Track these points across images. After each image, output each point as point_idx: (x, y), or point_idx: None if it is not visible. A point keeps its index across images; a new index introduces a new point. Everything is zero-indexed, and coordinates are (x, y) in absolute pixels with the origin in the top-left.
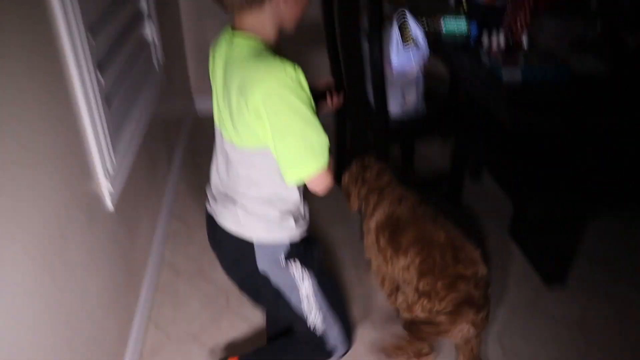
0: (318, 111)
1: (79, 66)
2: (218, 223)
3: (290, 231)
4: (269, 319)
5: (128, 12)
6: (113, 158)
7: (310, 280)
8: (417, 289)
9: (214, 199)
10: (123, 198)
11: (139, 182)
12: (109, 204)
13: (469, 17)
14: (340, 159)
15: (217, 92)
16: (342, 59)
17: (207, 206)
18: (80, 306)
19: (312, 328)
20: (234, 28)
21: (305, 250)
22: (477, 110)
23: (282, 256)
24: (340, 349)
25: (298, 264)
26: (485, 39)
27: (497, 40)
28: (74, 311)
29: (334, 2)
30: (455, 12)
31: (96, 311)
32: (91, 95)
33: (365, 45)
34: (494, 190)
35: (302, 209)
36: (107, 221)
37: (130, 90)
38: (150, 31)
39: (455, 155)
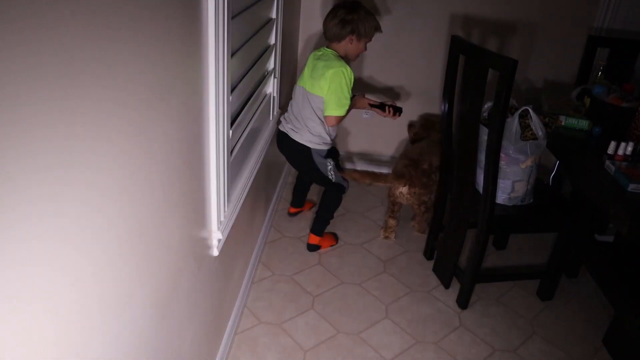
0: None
1: (217, 123)
2: (290, 136)
3: (326, 145)
4: (299, 180)
5: (260, 71)
6: (226, 207)
7: (332, 163)
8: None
9: (287, 121)
10: (226, 243)
11: (240, 228)
12: (215, 251)
13: (591, 114)
14: (435, 232)
15: (308, 67)
16: (457, 140)
17: (280, 127)
18: (176, 354)
19: (332, 180)
20: (327, 46)
21: (331, 152)
22: (586, 208)
23: (323, 154)
24: (345, 184)
25: (328, 157)
26: (611, 143)
27: (625, 145)
28: (168, 357)
29: (455, 82)
30: (578, 103)
31: (185, 356)
32: (221, 148)
33: (483, 131)
34: (589, 290)
35: (332, 136)
36: (211, 267)
37: (249, 140)
38: (273, 87)
39: (556, 250)
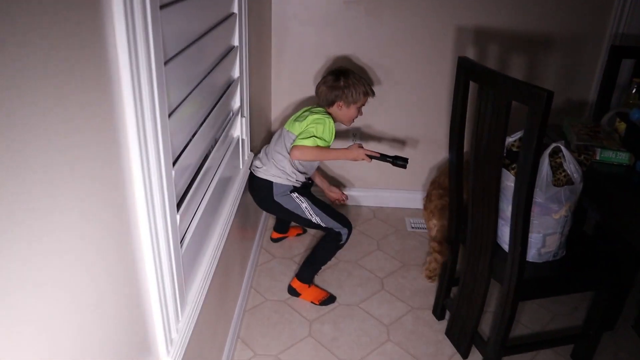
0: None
1: (150, 213)
2: (254, 174)
3: (290, 182)
4: (278, 221)
5: (222, 112)
6: (180, 317)
7: (307, 201)
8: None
9: (255, 159)
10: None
11: (207, 316)
12: None
13: (627, 143)
14: (446, 286)
15: (295, 114)
16: (472, 186)
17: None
18: None
19: (318, 224)
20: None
21: (304, 191)
22: (631, 260)
23: (287, 190)
24: (344, 231)
25: (302, 195)
26: None
27: None
28: None
29: (465, 117)
30: (610, 130)
31: None
32: (163, 244)
33: (505, 176)
34: (631, 345)
35: (298, 174)
36: None
37: (213, 200)
38: (241, 128)
39: (596, 310)
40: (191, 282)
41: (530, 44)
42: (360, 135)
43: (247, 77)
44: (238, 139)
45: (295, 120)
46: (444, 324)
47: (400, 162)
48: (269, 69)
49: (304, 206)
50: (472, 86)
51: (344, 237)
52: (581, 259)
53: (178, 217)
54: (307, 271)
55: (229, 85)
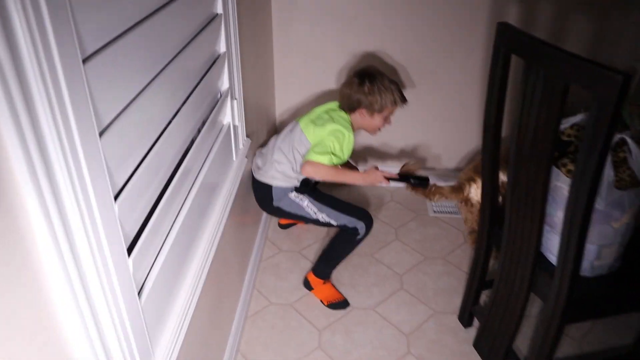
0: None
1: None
2: (254, 176)
3: (289, 183)
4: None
5: (207, 96)
6: None
7: (307, 199)
8: None
9: (257, 156)
10: None
11: (195, 348)
12: None
13: None
14: (475, 290)
15: (312, 112)
16: (511, 184)
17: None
18: None
19: (328, 223)
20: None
21: (304, 188)
22: None
23: (286, 192)
24: (360, 225)
25: (302, 193)
26: None
27: None
28: None
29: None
30: None
31: None
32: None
33: (556, 175)
34: None
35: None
36: None
37: (194, 214)
38: (233, 112)
39: None
40: (163, 322)
41: (598, 4)
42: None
43: (237, 51)
44: (229, 127)
45: (312, 121)
46: (471, 332)
47: (420, 182)
48: (270, 44)
49: (306, 204)
50: (515, 62)
51: (362, 232)
52: (636, 272)
53: (131, 262)
54: (323, 266)
55: (214, 62)
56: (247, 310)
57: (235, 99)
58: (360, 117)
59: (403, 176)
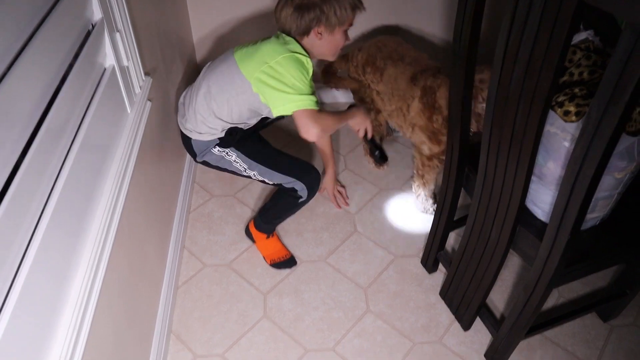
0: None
1: None
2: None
3: (213, 136)
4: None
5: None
6: None
7: (234, 153)
8: None
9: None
10: None
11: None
12: None
13: None
14: (441, 232)
15: (252, 42)
16: (489, 127)
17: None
18: None
19: (260, 181)
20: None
21: (230, 138)
22: None
23: (207, 146)
24: (299, 186)
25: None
26: None
27: None
28: None
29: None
30: None
31: None
32: None
33: (552, 120)
34: None
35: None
36: None
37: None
38: (117, 50)
39: (631, 275)
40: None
41: None
42: None
43: None
44: (113, 69)
45: (248, 55)
46: (436, 277)
47: (380, 157)
48: None
49: (233, 159)
50: None
51: (304, 194)
52: (628, 222)
53: None
54: (263, 222)
55: None
56: (176, 279)
57: (118, 31)
58: (317, 38)
59: (374, 142)
